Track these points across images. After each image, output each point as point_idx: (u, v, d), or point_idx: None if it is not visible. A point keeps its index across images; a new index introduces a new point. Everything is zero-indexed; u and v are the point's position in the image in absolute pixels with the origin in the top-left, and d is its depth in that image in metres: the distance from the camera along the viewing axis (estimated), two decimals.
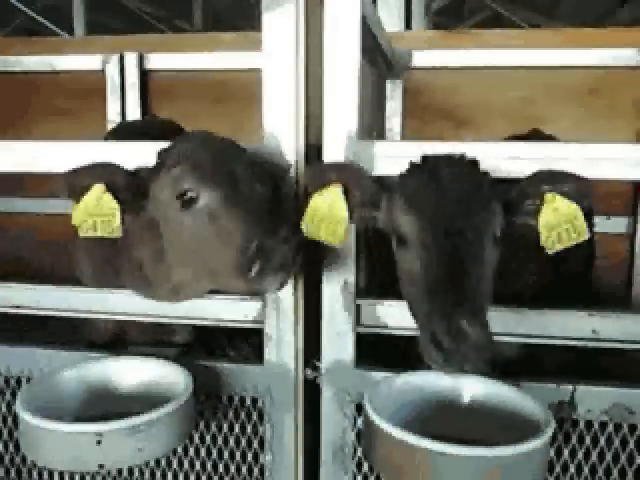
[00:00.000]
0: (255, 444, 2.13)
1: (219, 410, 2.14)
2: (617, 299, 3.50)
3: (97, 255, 2.28)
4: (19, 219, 4.29)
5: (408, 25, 5.76)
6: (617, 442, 1.92)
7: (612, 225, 3.54)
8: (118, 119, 3.87)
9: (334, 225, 1.81)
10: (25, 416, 1.74)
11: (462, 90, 3.71)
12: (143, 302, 2.10)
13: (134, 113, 3.90)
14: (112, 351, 2.18)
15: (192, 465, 2.19)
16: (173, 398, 1.82)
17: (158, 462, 2.19)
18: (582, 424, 1.92)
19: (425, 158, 1.83)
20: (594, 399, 1.91)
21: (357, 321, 2.00)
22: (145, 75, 3.94)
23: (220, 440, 2.15)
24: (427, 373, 1.92)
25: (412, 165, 1.84)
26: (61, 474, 2.25)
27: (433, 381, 1.91)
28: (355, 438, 2.03)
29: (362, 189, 1.84)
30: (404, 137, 3.51)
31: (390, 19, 5.07)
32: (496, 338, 1.93)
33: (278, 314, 2.01)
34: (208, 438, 2.16)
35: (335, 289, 1.98)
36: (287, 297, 2.00)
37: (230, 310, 2.06)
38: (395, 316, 1.99)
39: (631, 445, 1.92)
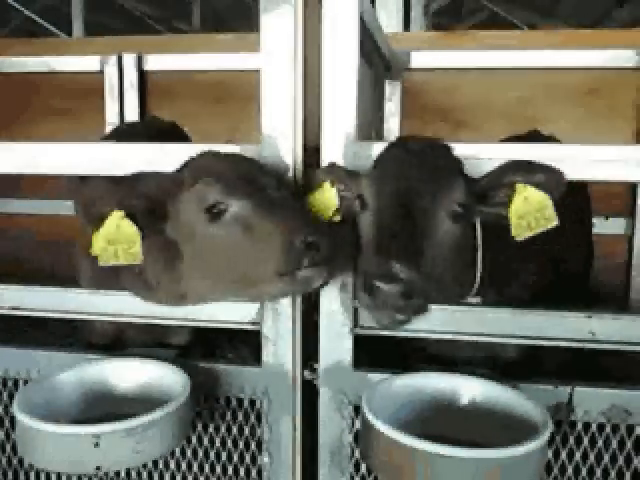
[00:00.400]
0: (253, 446, 2.13)
1: (217, 411, 2.14)
2: (615, 300, 3.50)
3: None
4: (19, 220, 4.29)
5: (407, 26, 5.77)
6: (615, 443, 1.92)
7: (611, 226, 3.55)
8: (117, 120, 3.88)
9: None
10: (22, 418, 1.74)
11: (461, 91, 3.71)
12: (141, 304, 2.10)
13: (133, 114, 3.90)
14: (110, 352, 2.18)
15: (190, 467, 2.18)
16: (171, 399, 1.82)
17: (156, 464, 2.19)
18: (580, 425, 1.92)
19: (400, 138, 1.96)
20: (592, 400, 1.91)
21: (355, 322, 2.00)
22: (143, 76, 3.94)
23: (218, 441, 2.15)
24: (426, 375, 1.92)
25: (388, 144, 1.93)
26: (58, 476, 2.24)
27: (431, 382, 1.91)
28: (353, 440, 2.02)
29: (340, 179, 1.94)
30: None
31: (389, 20, 5.08)
32: (494, 339, 1.95)
33: (276, 315, 2.01)
34: (206, 440, 2.16)
35: (333, 290, 1.98)
36: (285, 298, 2.00)
37: (228, 311, 2.06)
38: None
39: (629, 446, 1.92)
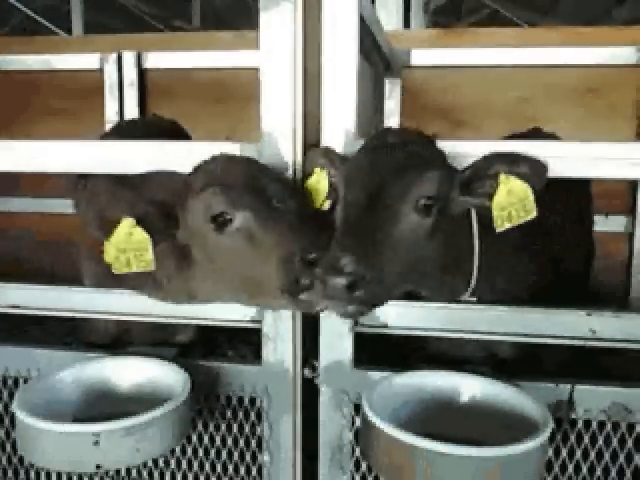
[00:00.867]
0: (253, 444, 2.13)
1: (217, 410, 2.13)
2: (616, 298, 3.50)
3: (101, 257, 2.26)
4: (19, 219, 4.28)
5: (407, 24, 5.75)
6: (615, 441, 1.92)
7: (611, 224, 3.55)
8: (116, 118, 3.87)
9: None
10: (22, 416, 1.74)
11: (461, 89, 3.70)
12: (142, 302, 2.09)
13: (132, 112, 3.89)
14: (110, 351, 2.18)
15: (190, 465, 2.18)
16: (171, 398, 1.82)
17: (156, 462, 2.18)
18: (580, 423, 1.92)
19: (386, 130, 1.94)
20: (592, 398, 1.91)
21: (355, 321, 1.99)
22: (143, 74, 3.93)
23: (218, 440, 2.15)
24: (426, 373, 1.92)
25: (371, 135, 1.91)
26: (58, 475, 2.24)
27: (432, 381, 1.91)
28: (353, 438, 2.02)
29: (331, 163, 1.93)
30: None
31: (388, 18, 5.07)
32: (494, 337, 1.95)
33: (276, 314, 2.00)
34: (206, 438, 2.15)
35: None
36: None
37: (228, 310, 2.05)
38: (394, 316, 1.99)
39: (629, 444, 1.92)
